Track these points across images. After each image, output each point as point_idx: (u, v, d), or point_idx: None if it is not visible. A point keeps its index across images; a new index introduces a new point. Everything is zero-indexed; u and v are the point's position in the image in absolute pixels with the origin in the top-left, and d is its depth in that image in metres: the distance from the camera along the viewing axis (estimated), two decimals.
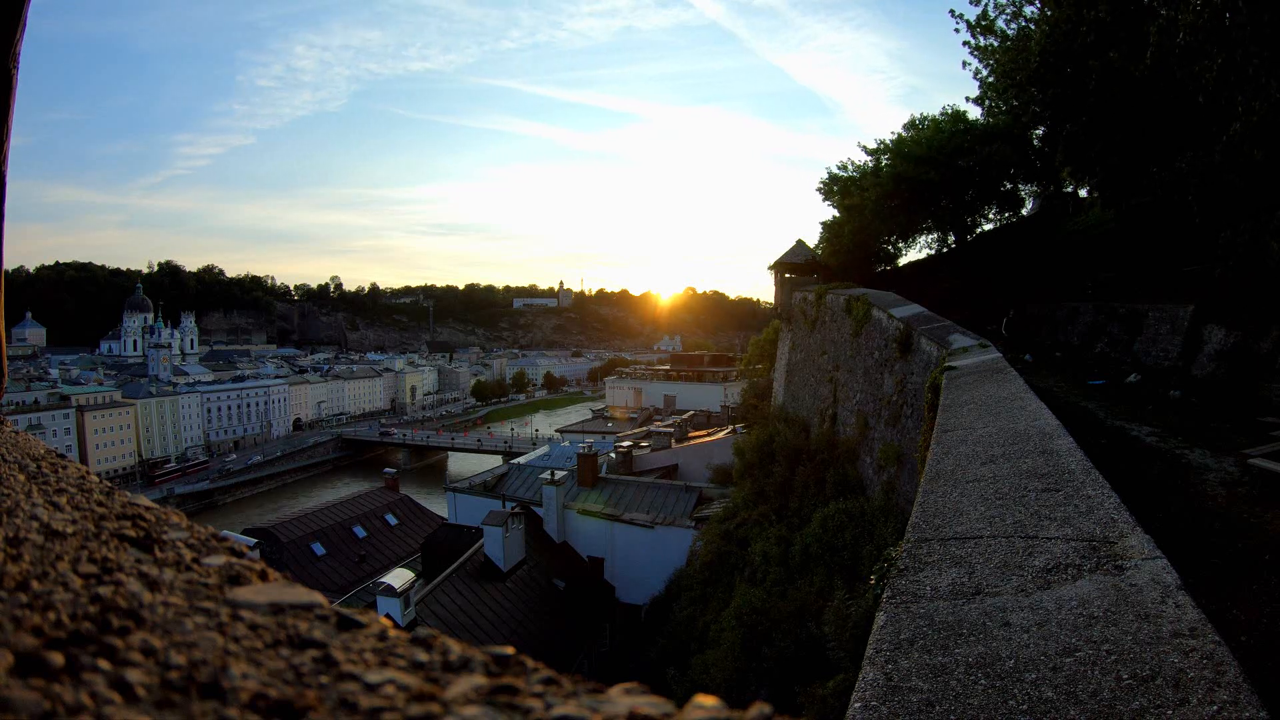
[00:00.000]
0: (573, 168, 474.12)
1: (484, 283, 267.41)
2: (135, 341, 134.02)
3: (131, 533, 0.93)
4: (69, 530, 0.89)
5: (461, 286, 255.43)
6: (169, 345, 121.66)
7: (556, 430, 64.57)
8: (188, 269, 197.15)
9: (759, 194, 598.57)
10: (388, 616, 10.50)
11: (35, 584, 0.68)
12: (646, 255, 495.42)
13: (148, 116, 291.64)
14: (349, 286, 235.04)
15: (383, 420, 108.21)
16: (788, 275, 27.67)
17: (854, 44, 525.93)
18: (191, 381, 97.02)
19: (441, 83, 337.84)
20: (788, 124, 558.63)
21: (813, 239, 29.33)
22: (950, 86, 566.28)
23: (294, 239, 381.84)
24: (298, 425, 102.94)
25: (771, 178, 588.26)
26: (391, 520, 30.13)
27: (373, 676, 0.59)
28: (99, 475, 1.37)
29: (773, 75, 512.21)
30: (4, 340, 1.64)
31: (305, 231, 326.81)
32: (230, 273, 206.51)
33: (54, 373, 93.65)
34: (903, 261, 27.13)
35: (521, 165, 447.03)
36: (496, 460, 53.60)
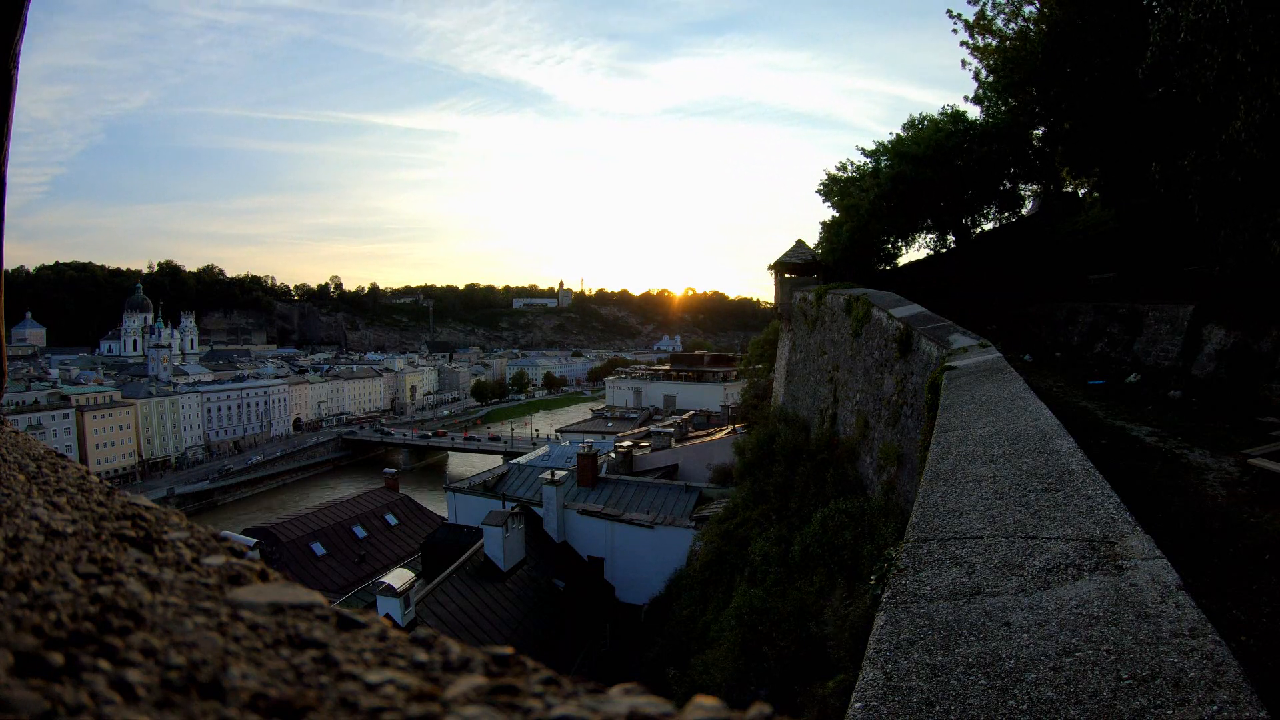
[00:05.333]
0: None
1: (484, 283, 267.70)
2: (135, 341, 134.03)
3: (131, 533, 0.93)
4: (69, 530, 0.89)
5: (461, 286, 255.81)
6: (169, 345, 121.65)
7: (556, 430, 64.61)
8: (187, 269, 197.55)
9: (756, 194, 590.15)
10: (388, 616, 10.50)
11: (35, 584, 0.68)
12: (646, 255, 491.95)
13: None
14: (349, 286, 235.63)
15: (383, 420, 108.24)
16: (788, 275, 27.66)
17: (482, 20, 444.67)
18: (191, 381, 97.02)
19: (171, 111, 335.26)
20: (508, 119, 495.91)
21: (812, 239, 29.37)
22: (659, 45, 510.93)
23: (292, 239, 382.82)
24: (298, 425, 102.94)
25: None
26: (391, 520, 30.14)
27: (373, 676, 0.59)
28: (99, 475, 1.38)
29: (418, 71, 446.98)
30: (4, 340, 1.64)
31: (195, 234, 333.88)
32: (230, 273, 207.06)
33: (54, 373, 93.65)
34: (902, 261, 27.12)
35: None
36: (496, 460, 53.57)
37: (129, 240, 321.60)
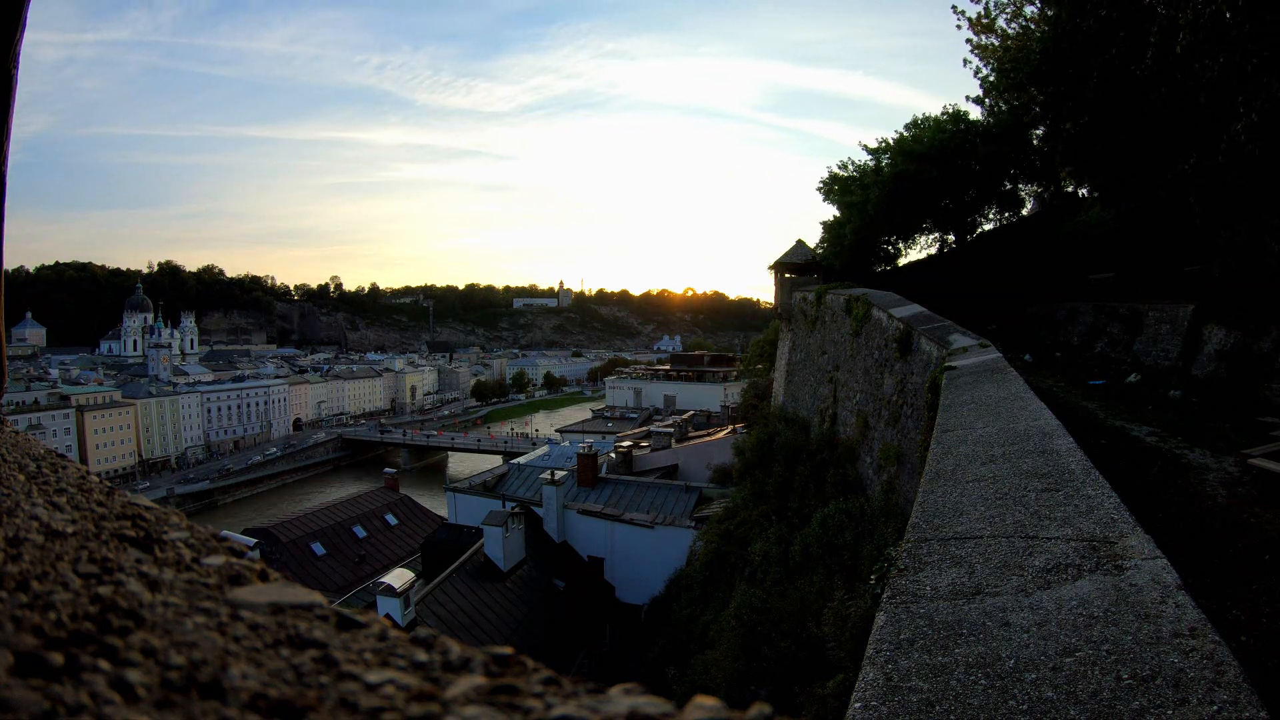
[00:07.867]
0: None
1: (484, 283, 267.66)
2: (135, 341, 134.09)
3: (131, 533, 0.93)
4: (69, 530, 0.89)
5: (461, 286, 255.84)
6: (169, 345, 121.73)
7: (556, 430, 64.62)
8: (187, 269, 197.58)
9: (758, 194, 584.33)
10: (388, 616, 10.49)
11: (35, 584, 0.68)
12: (646, 255, 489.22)
13: None
14: (349, 286, 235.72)
15: (383, 420, 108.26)
16: (788, 275, 27.67)
17: (304, 34, 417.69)
18: (191, 381, 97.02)
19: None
20: (386, 128, 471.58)
21: (812, 239, 29.38)
22: (492, 42, 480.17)
23: (294, 239, 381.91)
24: (298, 425, 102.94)
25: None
26: (391, 520, 30.15)
27: (373, 676, 0.59)
28: (99, 475, 1.38)
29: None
30: (4, 340, 1.64)
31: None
32: (230, 273, 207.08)
33: (54, 373, 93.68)
34: (903, 261, 27.13)
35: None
36: (496, 460, 53.61)
37: (97, 244, 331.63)
